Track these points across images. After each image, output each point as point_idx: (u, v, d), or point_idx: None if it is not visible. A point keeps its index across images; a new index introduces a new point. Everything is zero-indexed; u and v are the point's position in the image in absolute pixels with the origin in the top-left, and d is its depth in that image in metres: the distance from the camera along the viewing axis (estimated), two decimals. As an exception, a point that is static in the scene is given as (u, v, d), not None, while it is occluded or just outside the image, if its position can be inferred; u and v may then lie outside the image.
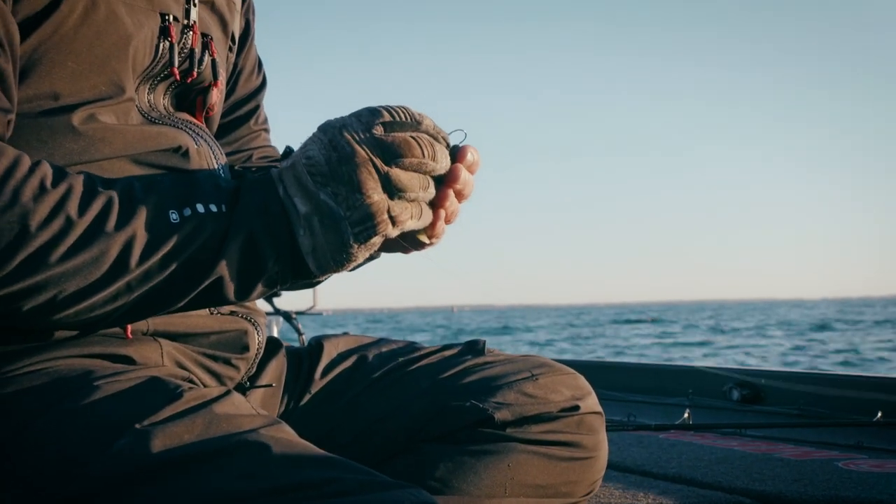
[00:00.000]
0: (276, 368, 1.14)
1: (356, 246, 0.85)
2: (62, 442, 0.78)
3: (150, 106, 1.00)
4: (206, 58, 1.05)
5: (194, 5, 1.03)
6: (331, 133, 0.86)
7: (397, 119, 0.87)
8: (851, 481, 1.90)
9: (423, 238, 0.93)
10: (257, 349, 1.07)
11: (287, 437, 0.80)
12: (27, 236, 0.76)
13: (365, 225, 0.84)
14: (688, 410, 2.62)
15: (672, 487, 1.85)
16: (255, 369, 1.09)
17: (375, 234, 0.85)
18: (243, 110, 1.26)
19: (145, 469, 0.74)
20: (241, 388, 1.08)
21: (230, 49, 1.14)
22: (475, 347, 1.21)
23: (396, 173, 0.85)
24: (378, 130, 0.85)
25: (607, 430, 1.21)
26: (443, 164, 0.88)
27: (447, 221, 0.92)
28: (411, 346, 1.23)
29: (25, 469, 0.78)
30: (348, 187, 0.84)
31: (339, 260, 0.86)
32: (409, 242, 0.94)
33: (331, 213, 0.84)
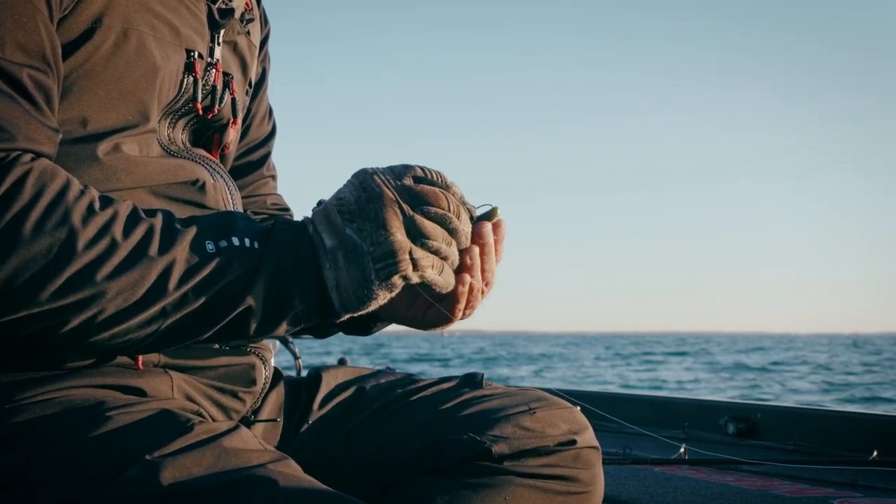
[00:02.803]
0: (276, 400, 1.15)
1: (377, 283, 0.88)
2: (73, 470, 0.78)
3: (170, 140, 1.03)
4: (227, 96, 1.08)
5: (218, 44, 1.06)
6: (362, 177, 0.91)
7: (428, 177, 0.92)
8: (847, 520, 1.90)
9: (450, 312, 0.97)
10: (264, 383, 1.08)
11: (294, 473, 0.80)
12: (75, 254, 0.80)
13: (387, 262, 0.87)
14: (684, 445, 2.61)
15: (667, 523, 1.84)
16: (259, 402, 1.10)
17: (396, 273, 0.88)
18: (255, 155, 1.29)
19: (154, 500, 0.75)
20: (246, 421, 1.08)
21: (246, 92, 1.17)
22: (473, 380, 1.21)
23: (421, 219, 0.89)
24: (408, 181, 0.90)
25: (603, 464, 1.21)
26: (465, 228, 0.92)
27: (471, 294, 0.96)
28: (409, 379, 1.23)
29: (37, 496, 0.78)
30: (374, 223, 0.88)
31: (360, 297, 0.88)
32: (436, 316, 0.98)
33: (355, 247, 0.87)
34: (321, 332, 1.18)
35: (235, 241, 0.86)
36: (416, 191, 0.90)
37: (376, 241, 0.87)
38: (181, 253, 0.84)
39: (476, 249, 0.95)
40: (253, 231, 0.89)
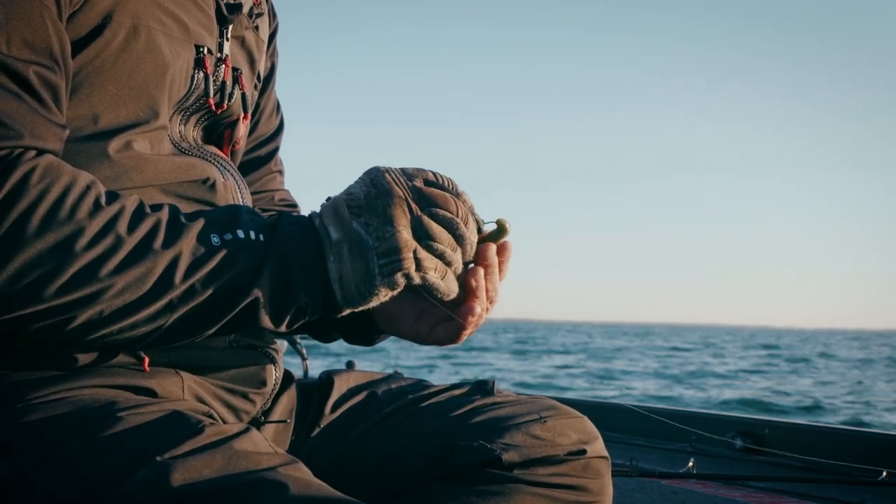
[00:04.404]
0: (288, 402, 1.15)
1: (380, 279, 0.88)
2: (84, 471, 0.78)
3: (181, 137, 1.02)
4: (237, 91, 1.07)
5: (227, 39, 1.06)
6: (374, 173, 0.92)
7: (439, 182, 0.92)
8: (855, 539, 1.89)
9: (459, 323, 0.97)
10: (274, 384, 1.08)
11: (304, 477, 0.80)
12: (81, 249, 0.80)
13: (391, 258, 0.87)
14: (692, 459, 2.60)
15: (674, 536, 1.83)
16: (269, 404, 1.10)
17: (399, 270, 0.88)
18: (263, 151, 1.29)
19: (164, 501, 0.75)
20: (256, 423, 1.08)
21: (255, 87, 1.17)
22: (484, 387, 1.21)
23: (428, 221, 0.89)
24: (419, 182, 0.91)
25: (612, 475, 1.21)
26: (472, 237, 0.93)
27: (475, 305, 0.96)
28: (420, 384, 1.23)
29: (47, 496, 0.78)
30: (381, 219, 0.88)
31: (362, 292, 0.88)
32: (441, 335, 0.99)
33: (360, 241, 0.88)
34: (324, 336, 1.18)
35: (241, 233, 0.87)
36: (425, 192, 0.90)
37: (382, 236, 0.88)
38: (187, 246, 0.84)
39: (481, 271, 0.96)
40: (258, 224, 0.89)
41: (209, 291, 0.84)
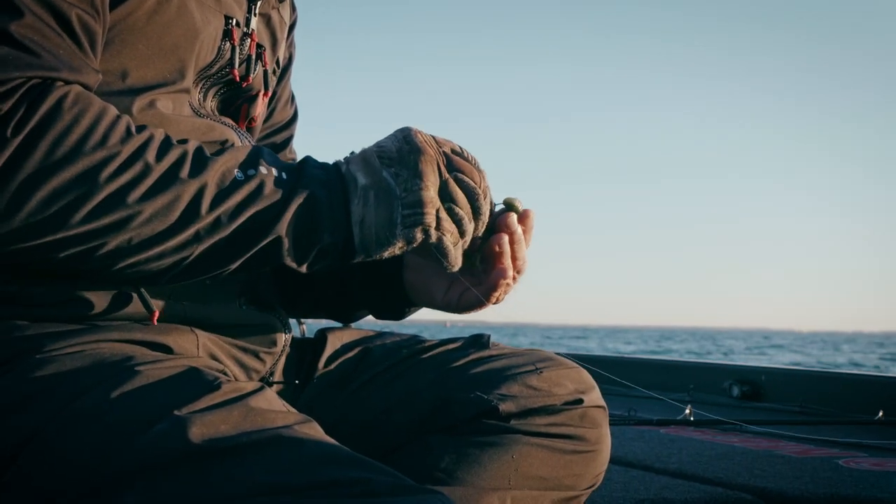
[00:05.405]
0: (286, 362, 1.14)
1: (401, 228, 0.90)
2: (103, 423, 0.78)
3: (200, 104, 1.04)
4: (259, 67, 1.10)
5: (255, 15, 1.08)
6: (406, 131, 0.95)
7: (465, 155, 0.95)
8: (852, 479, 1.91)
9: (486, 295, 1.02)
10: (284, 344, 1.09)
11: (319, 435, 0.81)
12: (110, 175, 0.82)
13: (414, 210, 0.90)
14: (689, 406, 2.62)
15: (673, 483, 1.85)
16: (278, 364, 1.11)
17: (421, 223, 0.91)
18: (279, 137, 1.32)
19: (183, 454, 0.75)
20: (266, 382, 1.09)
21: (273, 71, 1.18)
22: (479, 341, 1.21)
23: (453, 185, 0.93)
24: (447, 149, 0.95)
25: (609, 425, 1.21)
26: (486, 215, 0.96)
27: (502, 276, 1.00)
28: (415, 339, 1.23)
29: (66, 447, 0.78)
30: (411, 172, 0.91)
31: (381, 239, 0.91)
32: (472, 299, 1.04)
33: (388, 189, 0.91)
34: (348, 314, 1.22)
35: (263, 170, 0.89)
36: (453, 159, 0.94)
37: (409, 188, 0.90)
38: (213, 177, 0.86)
39: (505, 237, 1.00)
40: (282, 164, 0.92)
41: (235, 224, 0.86)
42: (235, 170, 0.88)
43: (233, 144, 1.03)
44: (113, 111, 0.85)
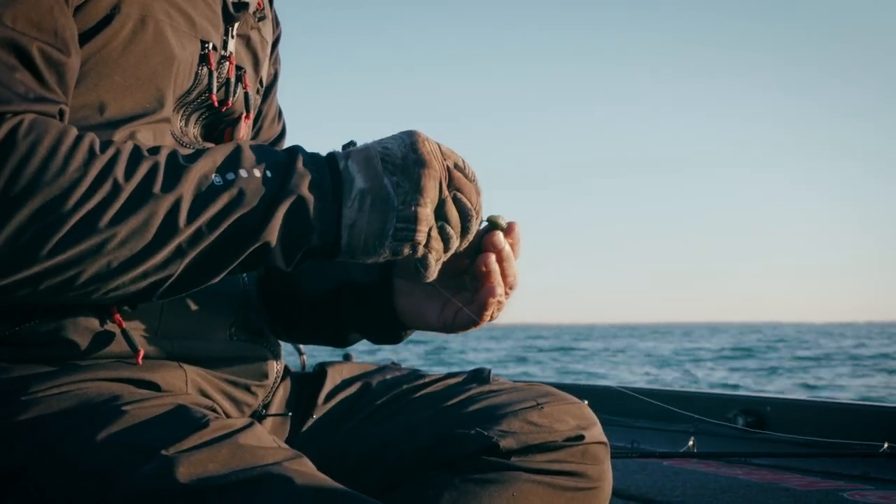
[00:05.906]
0: (284, 395, 1.14)
1: (391, 240, 0.88)
2: (88, 463, 0.78)
3: (182, 132, 1.02)
4: (240, 90, 1.08)
5: (232, 37, 1.06)
6: (414, 137, 0.91)
7: (466, 172, 0.93)
8: (858, 513, 1.89)
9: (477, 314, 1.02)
10: (275, 377, 1.08)
11: (309, 471, 0.80)
12: (77, 201, 0.79)
13: (408, 225, 0.88)
14: (692, 438, 2.60)
15: (676, 517, 1.83)
16: (271, 397, 1.10)
17: (411, 240, 0.89)
18: None
19: (170, 495, 0.74)
20: (258, 416, 1.08)
21: (257, 91, 1.17)
22: (480, 376, 1.20)
23: (450, 204, 0.91)
24: (451, 163, 0.92)
25: (612, 457, 1.20)
26: (475, 230, 0.94)
27: (493, 291, 1.00)
28: (415, 374, 1.22)
29: (50, 488, 0.78)
30: (413, 185, 0.88)
31: (369, 247, 0.88)
32: (464, 320, 1.03)
33: (386, 198, 0.88)
34: (341, 339, 1.20)
35: (243, 172, 0.85)
36: (455, 176, 0.91)
37: (407, 201, 0.88)
38: (188, 187, 0.82)
39: (491, 257, 0.99)
40: (266, 161, 0.87)
41: (217, 232, 0.83)
42: (213, 174, 0.84)
43: None
44: (73, 132, 0.82)
